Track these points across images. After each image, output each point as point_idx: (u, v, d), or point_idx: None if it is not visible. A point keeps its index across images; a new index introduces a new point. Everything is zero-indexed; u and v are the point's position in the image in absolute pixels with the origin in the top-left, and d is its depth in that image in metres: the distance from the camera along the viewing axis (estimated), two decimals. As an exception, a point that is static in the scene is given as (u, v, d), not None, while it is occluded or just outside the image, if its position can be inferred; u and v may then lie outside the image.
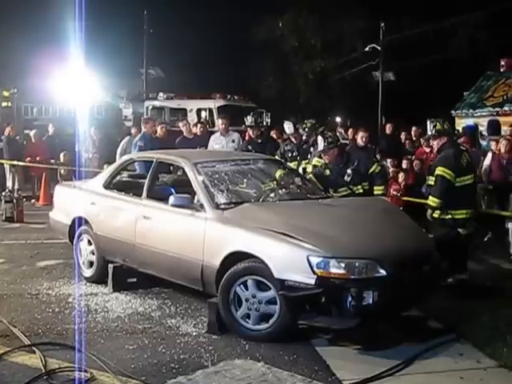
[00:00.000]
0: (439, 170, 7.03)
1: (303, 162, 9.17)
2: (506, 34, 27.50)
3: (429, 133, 7.45)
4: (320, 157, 8.20)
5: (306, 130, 9.03)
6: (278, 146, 10.33)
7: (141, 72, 30.42)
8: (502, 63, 21.87)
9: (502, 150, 10.03)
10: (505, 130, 14.76)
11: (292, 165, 9.23)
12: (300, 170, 9.02)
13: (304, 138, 9.31)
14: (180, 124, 12.11)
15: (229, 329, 5.75)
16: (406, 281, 5.50)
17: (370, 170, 8.35)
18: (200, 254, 6.12)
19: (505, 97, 19.51)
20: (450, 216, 7.06)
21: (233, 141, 10.72)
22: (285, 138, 10.26)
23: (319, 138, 8.10)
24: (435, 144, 7.38)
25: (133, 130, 13.63)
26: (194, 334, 5.81)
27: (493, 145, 11.43)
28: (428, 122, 7.39)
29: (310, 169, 8.47)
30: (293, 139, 9.31)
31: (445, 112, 20.34)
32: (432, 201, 7.11)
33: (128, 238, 7.00)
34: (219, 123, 11.01)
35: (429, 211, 7.19)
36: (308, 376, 4.86)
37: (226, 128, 10.72)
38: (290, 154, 9.30)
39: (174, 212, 6.51)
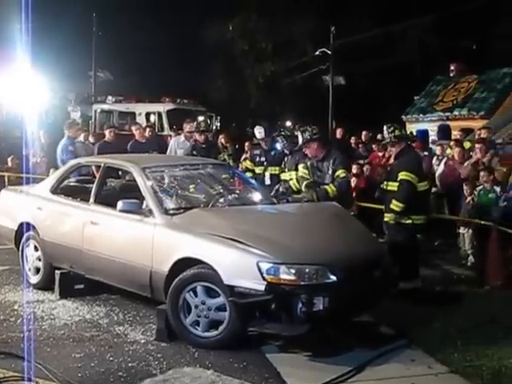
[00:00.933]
0: (404, 175, 6.95)
1: (271, 168, 9.09)
2: (456, 38, 28.14)
3: (386, 138, 7.36)
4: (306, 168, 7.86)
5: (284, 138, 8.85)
6: (220, 151, 10.33)
7: (89, 75, 29.98)
8: (452, 68, 22.30)
9: (456, 157, 10.18)
10: (455, 134, 15.05)
11: (258, 170, 9.20)
12: (267, 176, 9.00)
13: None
14: (133, 128, 11.91)
15: (178, 336, 5.67)
16: (356, 286, 5.48)
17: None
18: (149, 260, 6.02)
19: (454, 101, 19.87)
20: (410, 221, 7.00)
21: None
22: (254, 142, 10.21)
23: (298, 134, 7.95)
24: (394, 150, 7.30)
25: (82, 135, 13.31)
26: (143, 341, 5.71)
27: (438, 149, 11.62)
28: (385, 128, 7.34)
29: (293, 179, 8.21)
30: (263, 144, 9.26)
31: (395, 116, 20.65)
32: (396, 205, 6.99)
33: (75, 244, 6.88)
34: (185, 128, 10.89)
35: (390, 215, 7.07)
36: (258, 383, 4.80)
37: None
38: (257, 159, 9.24)
39: (122, 217, 6.40)
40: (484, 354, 5.37)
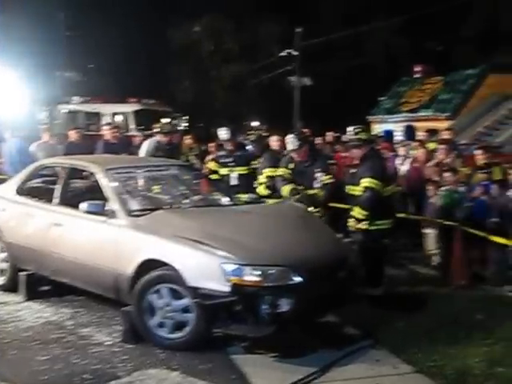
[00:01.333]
0: (367, 182, 6.79)
1: (239, 168, 9.05)
2: (421, 40, 28.49)
3: (350, 139, 7.24)
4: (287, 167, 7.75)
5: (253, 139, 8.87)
6: (183, 152, 10.25)
7: (56, 75, 29.59)
8: (417, 69, 22.53)
9: (420, 158, 10.27)
10: (420, 135, 15.19)
11: (222, 171, 9.15)
12: (234, 177, 8.91)
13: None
14: (105, 128, 11.77)
15: (144, 338, 5.64)
16: (321, 287, 5.48)
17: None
18: (113, 262, 5.98)
19: (420, 102, 20.09)
20: (375, 227, 6.85)
21: None
22: (219, 143, 10.17)
23: (289, 137, 7.76)
24: (358, 153, 7.09)
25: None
26: (108, 343, 5.68)
27: (402, 150, 11.70)
28: (349, 129, 7.27)
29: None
30: (227, 145, 9.22)
31: (361, 117, 20.80)
32: (359, 212, 6.83)
33: (40, 246, 6.80)
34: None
35: (352, 222, 6.92)
36: (224, 385, 4.80)
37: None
38: (222, 160, 9.21)
39: (86, 219, 6.33)
40: (448, 353, 5.42)
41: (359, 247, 6.98)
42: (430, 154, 10.36)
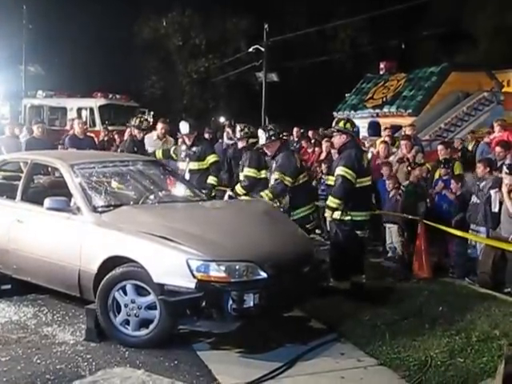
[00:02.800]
0: (341, 171, 6.82)
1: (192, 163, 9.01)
2: (385, 37, 28.77)
3: (332, 128, 7.27)
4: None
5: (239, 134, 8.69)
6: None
7: (20, 69, 29.08)
8: (382, 66, 22.74)
9: (381, 153, 10.38)
10: (384, 131, 15.35)
11: (181, 165, 9.13)
12: (187, 171, 8.90)
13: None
14: (75, 122, 11.60)
15: (108, 336, 5.59)
16: (286, 282, 5.50)
17: None
18: (77, 259, 5.91)
19: (384, 99, 20.24)
20: (349, 217, 6.87)
21: (154, 141, 10.53)
22: (178, 137, 10.12)
23: (260, 131, 7.69)
24: (335, 141, 7.21)
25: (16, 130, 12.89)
26: (72, 342, 5.61)
27: (366, 145, 11.84)
28: (335, 115, 7.34)
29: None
30: (186, 140, 9.17)
31: (327, 113, 20.91)
32: (332, 201, 6.87)
33: (1, 244, 6.68)
34: (159, 127, 10.65)
35: (328, 212, 7.00)
36: (189, 382, 4.81)
37: (165, 133, 10.46)
38: (182, 155, 9.18)
39: (49, 215, 6.25)
40: (411, 345, 5.51)
41: (335, 238, 7.04)
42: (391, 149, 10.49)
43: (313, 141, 12.85)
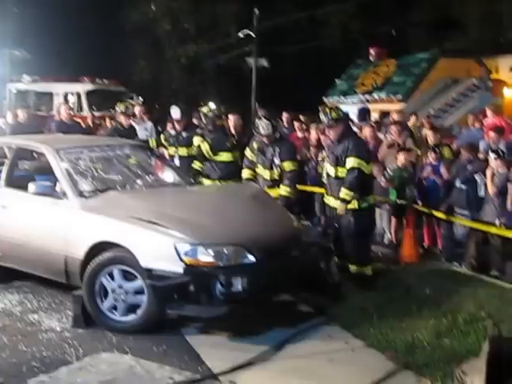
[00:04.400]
0: (356, 163, 6.63)
1: (180, 149, 8.99)
2: (376, 23, 28.72)
3: (324, 121, 6.99)
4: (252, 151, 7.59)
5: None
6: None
7: (4, 53, 28.73)
8: (372, 52, 22.70)
9: (368, 136, 10.35)
10: (375, 116, 15.34)
11: (170, 151, 9.08)
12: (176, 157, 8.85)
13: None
14: (62, 107, 11.48)
15: (95, 322, 5.57)
16: (274, 266, 5.50)
17: None
18: (63, 244, 5.87)
19: (374, 84, 20.22)
20: (366, 204, 6.78)
21: (145, 129, 10.56)
22: (168, 121, 10.08)
23: (261, 122, 7.52)
24: (332, 133, 6.92)
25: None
26: (58, 329, 5.58)
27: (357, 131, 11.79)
28: (320, 109, 7.17)
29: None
30: (177, 125, 9.13)
31: (317, 99, 20.85)
32: (346, 194, 6.66)
33: (-15, 230, 6.57)
34: (136, 110, 10.57)
35: (342, 205, 6.73)
36: (178, 366, 4.80)
37: (141, 116, 10.39)
38: (171, 140, 9.12)
39: (34, 201, 6.20)
40: (398, 327, 5.55)
41: (353, 228, 6.78)
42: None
43: (303, 126, 12.79)
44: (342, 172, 6.83)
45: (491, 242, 7.38)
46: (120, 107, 9.86)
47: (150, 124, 10.95)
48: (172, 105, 9.37)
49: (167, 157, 8.96)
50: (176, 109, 9.03)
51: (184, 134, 8.99)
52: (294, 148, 7.93)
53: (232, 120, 9.33)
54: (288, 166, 7.40)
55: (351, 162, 6.68)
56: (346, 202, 6.72)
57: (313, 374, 4.74)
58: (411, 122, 11.72)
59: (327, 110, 6.95)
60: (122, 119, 9.68)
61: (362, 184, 6.72)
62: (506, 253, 7.22)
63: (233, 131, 9.12)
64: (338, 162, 6.86)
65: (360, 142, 6.96)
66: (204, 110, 8.73)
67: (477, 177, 7.79)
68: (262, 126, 7.44)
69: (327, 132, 7.20)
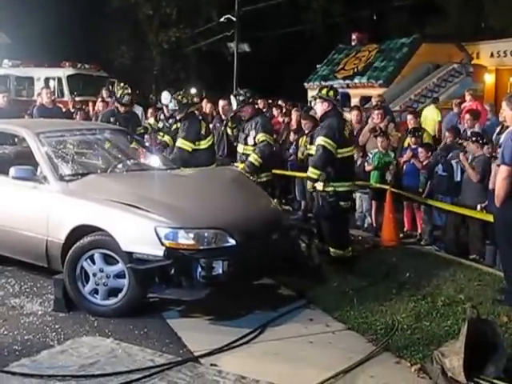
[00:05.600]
0: (322, 140, 6.66)
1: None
2: (358, 8, 28.73)
3: (314, 95, 7.19)
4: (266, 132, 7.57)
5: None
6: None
7: (-17, 38, 28.31)
8: (354, 37, 22.70)
9: (354, 120, 10.38)
10: (355, 101, 15.36)
11: (160, 136, 9.06)
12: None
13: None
14: (43, 91, 11.34)
15: (77, 306, 5.55)
16: (255, 249, 5.52)
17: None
18: (44, 228, 5.84)
19: (355, 70, 20.23)
20: (332, 188, 6.76)
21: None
22: (159, 107, 9.99)
23: (231, 97, 7.75)
24: (317, 108, 7.03)
25: None
26: (40, 312, 5.56)
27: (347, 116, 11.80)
28: (306, 85, 7.27)
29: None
30: (165, 111, 9.04)
31: (298, 84, 20.82)
32: (313, 172, 6.76)
33: (-35, 215, 6.51)
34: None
35: (309, 183, 6.95)
36: (159, 349, 4.80)
37: (132, 101, 10.18)
38: (160, 124, 9.08)
39: (15, 185, 6.15)
40: (378, 310, 5.61)
41: (318, 209, 7.01)
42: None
43: (284, 110, 12.81)
44: (311, 150, 7.01)
45: (470, 226, 7.46)
46: (117, 94, 9.51)
47: (140, 109, 10.83)
48: (158, 93, 9.27)
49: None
50: (166, 94, 8.88)
51: (171, 121, 8.91)
52: (270, 123, 7.96)
53: (220, 105, 9.39)
54: (260, 137, 7.45)
55: (318, 140, 6.76)
56: (312, 180, 6.82)
57: (294, 356, 4.77)
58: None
59: (322, 87, 7.16)
60: (120, 107, 9.39)
61: (328, 165, 6.72)
62: (485, 237, 7.31)
63: (222, 116, 9.19)
64: (312, 141, 7.03)
65: (333, 123, 6.79)
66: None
67: (453, 162, 7.86)
68: (233, 101, 7.62)
69: (314, 106, 7.30)
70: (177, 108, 8.14)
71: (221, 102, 9.73)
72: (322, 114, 6.95)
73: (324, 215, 6.95)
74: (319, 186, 6.82)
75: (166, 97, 8.86)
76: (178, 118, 8.24)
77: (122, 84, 9.47)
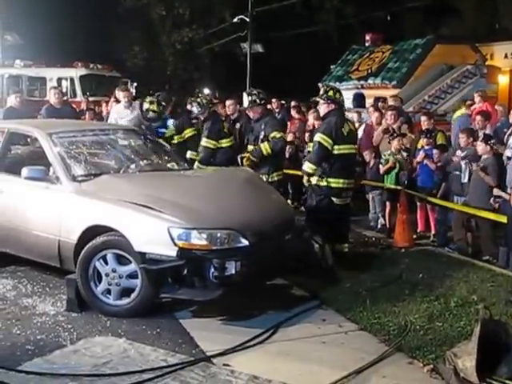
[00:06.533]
0: (318, 137, 6.84)
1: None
2: (371, 9, 28.62)
3: (320, 95, 7.19)
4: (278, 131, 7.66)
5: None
6: None
7: (-4, 38, 28.52)
8: (367, 38, 22.60)
9: (374, 122, 10.35)
10: (369, 102, 15.29)
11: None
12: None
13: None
14: (52, 91, 11.41)
15: (89, 306, 5.57)
16: (268, 250, 5.52)
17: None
18: (57, 229, 5.86)
19: (369, 70, 20.11)
20: (325, 183, 6.86)
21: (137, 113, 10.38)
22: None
23: (244, 94, 7.82)
24: (322, 109, 7.14)
25: None
26: (52, 312, 5.58)
27: (355, 116, 11.75)
28: (320, 86, 7.33)
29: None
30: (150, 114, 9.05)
31: (312, 84, 20.79)
32: (308, 167, 6.93)
33: (-21, 215, 6.56)
34: (121, 95, 10.41)
35: (305, 178, 7.06)
36: (171, 349, 4.81)
37: (129, 100, 10.26)
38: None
39: (28, 185, 6.17)
40: (391, 310, 5.59)
41: (309, 203, 7.07)
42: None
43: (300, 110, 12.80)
44: (311, 147, 7.17)
45: (481, 227, 7.41)
46: (144, 106, 9.42)
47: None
48: (169, 93, 9.29)
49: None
50: (163, 95, 8.94)
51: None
52: (281, 123, 7.99)
53: (227, 104, 9.42)
54: (274, 134, 7.49)
55: (316, 136, 6.92)
56: (307, 174, 6.94)
57: (306, 356, 4.75)
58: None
59: (327, 89, 7.22)
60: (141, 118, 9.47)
61: (323, 161, 6.84)
62: (497, 238, 7.26)
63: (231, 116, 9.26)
64: (311, 139, 7.22)
65: (331, 121, 6.91)
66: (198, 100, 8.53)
67: (462, 162, 7.80)
68: (245, 98, 7.70)
69: (318, 106, 7.43)
70: (200, 110, 8.34)
71: (227, 102, 9.91)
72: (325, 114, 7.07)
73: (311, 207, 7.03)
74: (314, 179, 6.96)
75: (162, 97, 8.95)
76: (202, 118, 8.43)
77: (150, 99, 9.34)
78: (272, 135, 7.49)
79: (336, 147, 6.86)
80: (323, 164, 6.88)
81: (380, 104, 11.97)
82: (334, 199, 6.92)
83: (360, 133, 10.36)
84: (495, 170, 7.28)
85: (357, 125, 10.64)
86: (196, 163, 8.01)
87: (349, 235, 7.51)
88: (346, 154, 6.96)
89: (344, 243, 7.14)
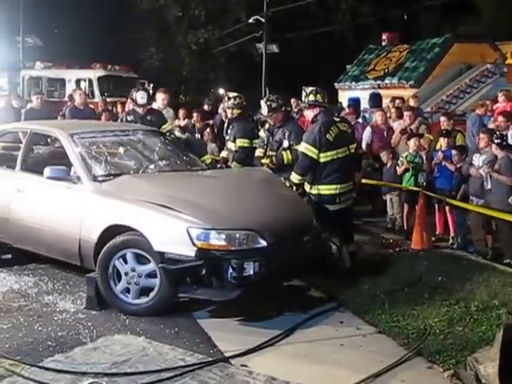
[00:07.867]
0: (302, 147, 6.69)
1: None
2: (388, 8, 28.48)
3: (304, 100, 7.12)
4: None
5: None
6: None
7: (17, 40, 28.79)
8: (384, 37, 22.48)
9: (378, 121, 10.32)
10: (386, 102, 15.23)
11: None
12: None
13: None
14: (76, 93, 11.51)
15: (108, 304, 5.62)
16: (286, 251, 5.52)
17: None
18: (77, 227, 5.93)
19: (386, 70, 20.02)
20: (316, 191, 6.74)
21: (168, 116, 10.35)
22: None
23: (261, 102, 7.75)
24: (308, 114, 7.02)
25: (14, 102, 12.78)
26: (72, 310, 5.64)
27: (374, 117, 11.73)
28: (303, 90, 7.27)
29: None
30: (139, 109, 8.96)
31: (328, 84, 20.73)
32: (294, 177, 6.77)
33: (2, 213, 6.68)
34: (159, 97, 10.39)
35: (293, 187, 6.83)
36: (189, 349, 4.82)
37: (167, 103, 10.26)
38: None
39: (49, 185, 6.25)
40: (410, 314, 5.55)
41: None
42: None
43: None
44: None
45: (500, 229, 7.36)
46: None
47: (171, 111, 10.89)
48: (138, 90, 9.14)
49: None
50: (143, 94, 8.85)
51: (148, 118, 8.79)
52: (302, 130, 7.92)
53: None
54: (300, 148, 7.10)
55: (300, 146, 6.83)
56: (295, 184, 6.80)
57: (324, 358, 4.75)
58: None
59: (307, 93, 7.07)
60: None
61: (310, 170, 6.71)
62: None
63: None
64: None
65: (315, 128, 6.70)
66: (226, 99, 8.52)
67: (482, 171, 7.72)
68: (263, 106, 7.59)
69: (304, 113, 7.39)
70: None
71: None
72: (313, 118, 6.92)
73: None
74: (307, 187, 6.84)
75: (142, 96, 8.81)
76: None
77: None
78: (298, 147, 7.15)
79: (322, 155, 6.63)
80: (311, 173, 6.73)
81: (398, 101, 11.89)
82: (328, 206, 6.73)
83: (367, 135, 10.34)
84: (510, 169, 7.21)
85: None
86: (233, 163, 7.99)
87: (354, 235, 7.34)
88: (335, 159, 6.70)
89: (350, 243, 7.03)
